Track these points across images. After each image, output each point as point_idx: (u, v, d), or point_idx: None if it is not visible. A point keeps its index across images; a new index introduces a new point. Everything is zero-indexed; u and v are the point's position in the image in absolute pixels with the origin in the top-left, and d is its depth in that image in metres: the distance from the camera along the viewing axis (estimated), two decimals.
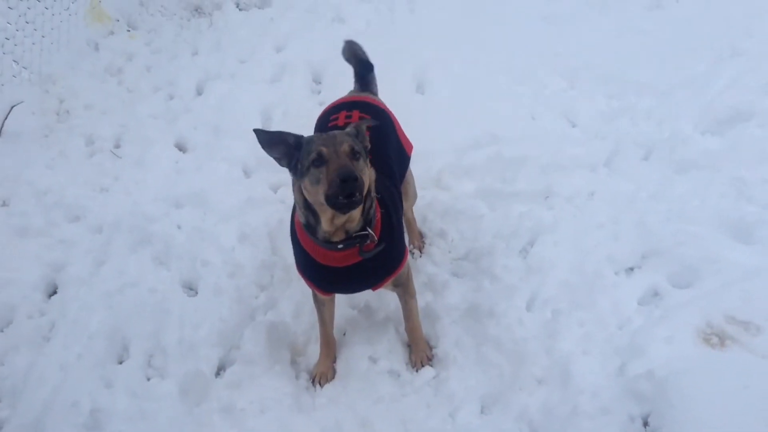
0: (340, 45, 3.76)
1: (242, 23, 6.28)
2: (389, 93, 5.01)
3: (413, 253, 3.79)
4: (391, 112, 3.48)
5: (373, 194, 2.77)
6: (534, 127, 4.63)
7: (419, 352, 3.29)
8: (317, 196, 2.54)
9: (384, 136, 3.26)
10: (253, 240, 3.86)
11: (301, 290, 3.47)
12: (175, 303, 3.55)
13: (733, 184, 3.78)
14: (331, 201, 2.49)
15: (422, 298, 3.42)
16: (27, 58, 5.34)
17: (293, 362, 3.36)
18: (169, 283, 3.68)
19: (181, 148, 4.90)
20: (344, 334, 3.43)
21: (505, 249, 3.68)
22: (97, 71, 5.77)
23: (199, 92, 5.47)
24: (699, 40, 5.11)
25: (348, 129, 2.73)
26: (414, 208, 3.81)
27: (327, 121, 3.28)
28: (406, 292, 3.19)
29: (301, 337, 3.43)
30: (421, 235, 3.87)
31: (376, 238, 2.74)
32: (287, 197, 3.89)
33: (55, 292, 3.80)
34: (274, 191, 4.30)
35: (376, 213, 2.80)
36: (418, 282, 3.52)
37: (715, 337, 3.04)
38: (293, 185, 2.70)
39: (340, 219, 2.63)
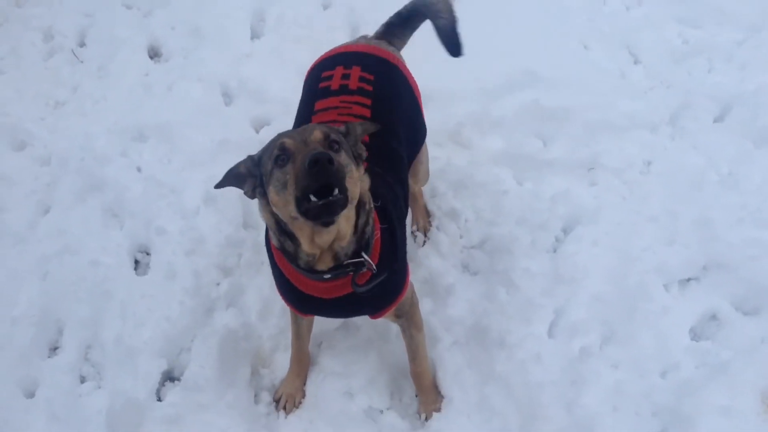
0: None
1: None
2: None
3: (415, 236, 3.06)
4: (409, 72, 2.60)
5: (370, 206, 2.06)
6: (585, 63, 3.71)
7: (428, 404, 2.63)
8: (287, 206, 1.85)
9: (393, 102, 2.45)
10: (221, 205, 3.11)
11: (272, 280, 2.78)
12: (120, 283, 2.90)
13: None
14: (303, 206, 1.79)
15: (420, 307, 2.68)
16: None
17: (254, 373, 2.72)
18: (116, 254, 3.02)
19: (154, 53, 4.08)
20: (320, 345, 2.78)
21: (530, 245, 2.92)
22: None
23: None
24: None
25: (334, 127, 2.03)
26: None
27: (318, 78, 2.48)
28: (411, 324, 2.49)
29: (268, 343, 2.78)
30: (428, 214, 3.12)
31: (374, 267, 2.05)
32: None
33: None
34: (257, 130, 3.52)
35: (375, 230, 2.10)
36: (417, 278, 2.83)
37: None
38: (261, 210, 2.04)
39: (324, 235, 1.93)
